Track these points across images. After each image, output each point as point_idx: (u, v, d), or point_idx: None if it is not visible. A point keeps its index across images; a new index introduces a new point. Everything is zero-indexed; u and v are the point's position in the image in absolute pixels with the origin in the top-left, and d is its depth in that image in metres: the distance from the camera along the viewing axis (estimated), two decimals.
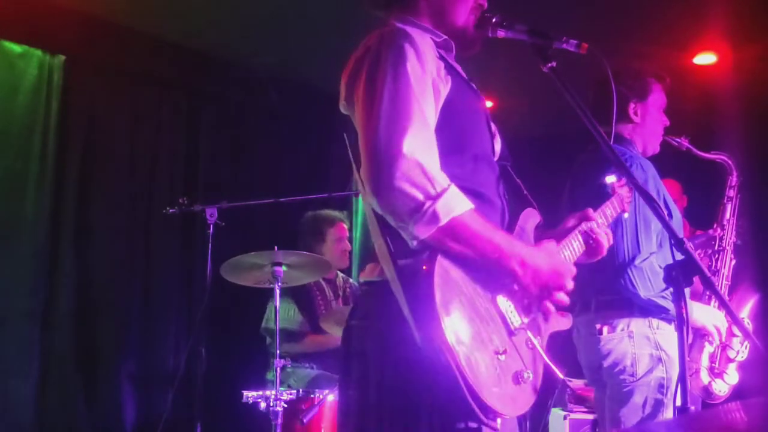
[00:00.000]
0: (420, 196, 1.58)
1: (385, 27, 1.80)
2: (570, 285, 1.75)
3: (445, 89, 1.76)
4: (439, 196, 1.59)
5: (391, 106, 1.65)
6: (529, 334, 1.74)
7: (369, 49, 1.76)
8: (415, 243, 1.61)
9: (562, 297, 1.75)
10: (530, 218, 1.93)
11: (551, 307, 1.74)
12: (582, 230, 1.99)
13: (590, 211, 2.04)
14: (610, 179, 2.24)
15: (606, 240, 2.00)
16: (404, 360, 1.59)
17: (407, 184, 1.58)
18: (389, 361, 1.65)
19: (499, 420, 1.59)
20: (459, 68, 1.94)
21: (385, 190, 1.59)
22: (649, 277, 2.65)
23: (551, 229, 2.01)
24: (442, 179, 1.62)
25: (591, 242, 1.99)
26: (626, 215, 2.33)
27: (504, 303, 1.71)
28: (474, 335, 1.59)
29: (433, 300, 1.53)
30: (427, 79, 1.71)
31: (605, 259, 2.10)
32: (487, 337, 1.62)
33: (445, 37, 1.91)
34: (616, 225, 2.56)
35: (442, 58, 1.83)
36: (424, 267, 1.58)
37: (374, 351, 1.69)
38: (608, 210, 2.17)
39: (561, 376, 1.78)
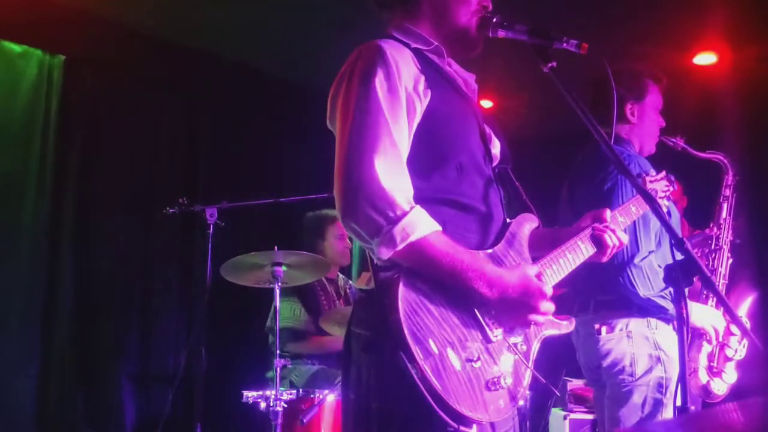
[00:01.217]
0: (380, 220, 1.65)
1: (364, 45, 1.82)
2: (543, 307, 1.73)
3: (422, 104, 1.78)
4: (398, 219, 1.65)
5: (358, 131, 1.71)
6: (510, 340, 1.75)
7: (347, 69, 1.80)
8: (380, 263, 1.69)
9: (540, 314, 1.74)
10: (525, 223, 1.92)
11: (535, 318, 1.74)
12: (591, 231, 1.96)
13: (605, 211, 2.01)
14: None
15: (610, 241, 1.96)
16: (390, 368, 1.62)
17: (370, 209, 1.66)
18: (377, 369, 1.70)
19: (474, 426, 1.62)
20: (452, 73, 1.94)
21: (350, 214, 1.68)
22: (648, 276, 2.65)
23: (564, 228, 2.00)
24: (404, 202, 1.66)
25: (600, 243, 1.96)
26: (666, 203, 2.30)
27: (482, 312, 1.72)
28: (442, 344, 1.63)
29: (397, 311, 1.60)
30: (399, 99, 1.74)
31: None
32: (458, 345, 1.65)
33: (436, 43, 1.91)
34: None
35: (429, 68, 1.83)
36: (392, 279, 1.65)
37: (367, 359, 1.74)
38: (633, 207, 2.14)
39: (543, 381, 1.79)
